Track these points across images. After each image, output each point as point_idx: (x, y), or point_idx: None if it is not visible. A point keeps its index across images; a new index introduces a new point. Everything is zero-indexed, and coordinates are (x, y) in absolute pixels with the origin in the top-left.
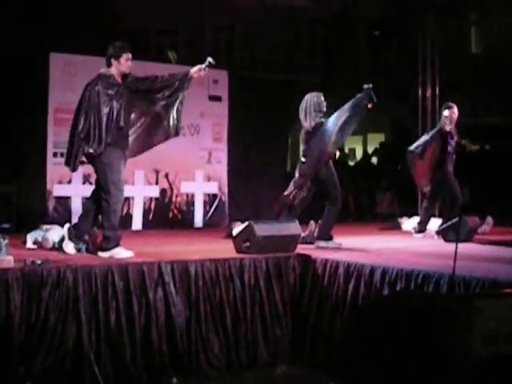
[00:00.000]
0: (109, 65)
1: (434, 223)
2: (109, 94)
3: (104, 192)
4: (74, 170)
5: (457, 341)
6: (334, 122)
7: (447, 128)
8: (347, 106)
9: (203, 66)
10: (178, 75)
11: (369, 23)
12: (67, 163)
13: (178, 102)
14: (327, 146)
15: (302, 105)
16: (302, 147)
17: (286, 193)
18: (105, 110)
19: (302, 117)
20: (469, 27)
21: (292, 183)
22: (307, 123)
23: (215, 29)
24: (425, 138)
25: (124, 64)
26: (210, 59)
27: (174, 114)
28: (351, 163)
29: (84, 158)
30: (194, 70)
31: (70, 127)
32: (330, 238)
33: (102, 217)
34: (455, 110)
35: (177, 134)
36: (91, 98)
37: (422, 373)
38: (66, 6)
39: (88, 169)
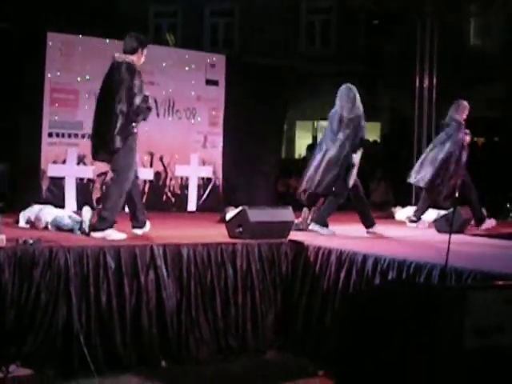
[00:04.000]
0: (132, 52)
1: (429, 214)
2: (137, 79)
3: (119, 174)
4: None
5: (448, 333)
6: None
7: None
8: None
9: None
10: None
11: (368, 12)
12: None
13: None
14: None
15: (351, 94)
16: (329, 134)
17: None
18: (136, 95)
19: (347, 104)
20: (468, 19)
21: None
22: (352, 113)
23: (214, 13)
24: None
25: (143, 56)
26: None
27: None
28: None
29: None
30: None
31: (105, 110)
32: (325, 225)
33: (105, 197)
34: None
35: None
36: (130, 80)
37: (412, 364)
38: None
39: (83, 149)
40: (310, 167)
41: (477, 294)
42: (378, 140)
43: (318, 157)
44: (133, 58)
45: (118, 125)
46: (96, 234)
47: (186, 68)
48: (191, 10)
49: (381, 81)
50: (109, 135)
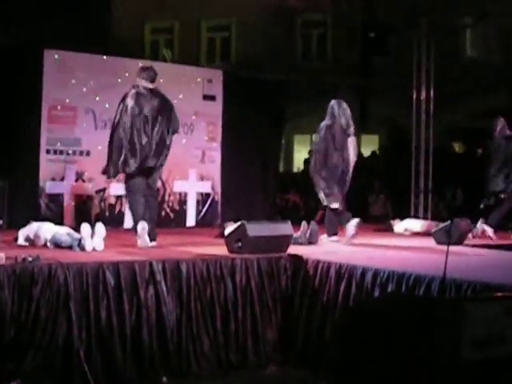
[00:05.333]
0: (153, 81)
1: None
2: None
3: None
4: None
5: (447, 345)
6: None
7: None
8: None
9: None
10: None
11: (364, 25)
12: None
13: None
14: None
15: (348, 111)
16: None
17: None
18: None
19: (350, 122)
20: (464, 30)
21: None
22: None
23: (211, 28)
24: None
25: None
26: None
27: None
28: None
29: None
30: None
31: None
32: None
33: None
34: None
35: None
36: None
37: (411, 376)
38: (61, 3)
39: (81, 166)
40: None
41: (475, 306)
42: (377, 152)
43: None
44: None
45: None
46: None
47: (184, 83)
48: (188, 26)
49: (378, 93)
50: (164, 153)
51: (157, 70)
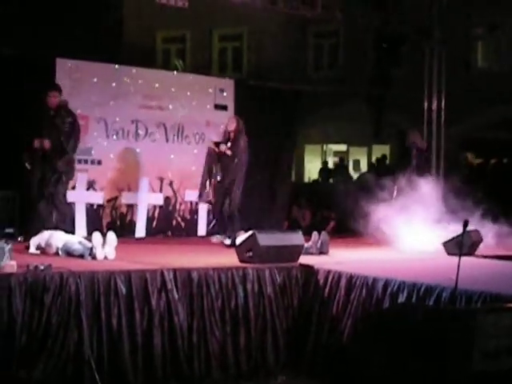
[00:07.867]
0: None
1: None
2: None
3: None
4: None
5: (457, 355)
6: None
7: None
8: None
9: None
10: None
11: (376, 35)
12: None
13: None
14: None
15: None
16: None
17: None
18: None
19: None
20: (476, 41)
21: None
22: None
23: (223, 37)
24: None
25: None
26: None
27: None
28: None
29: None
30: None
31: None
32: None
33: None
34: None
35: None
36: None
37: None
38: (74, 13)
39: (93, 175)
40: None
41: (486, 317)
42: (388, 161)
43: None
44: None
45: None
46: None
47: (195, 93)
48: (199, 35)
49: (389, 103)
50: None
51: (169, 80)
